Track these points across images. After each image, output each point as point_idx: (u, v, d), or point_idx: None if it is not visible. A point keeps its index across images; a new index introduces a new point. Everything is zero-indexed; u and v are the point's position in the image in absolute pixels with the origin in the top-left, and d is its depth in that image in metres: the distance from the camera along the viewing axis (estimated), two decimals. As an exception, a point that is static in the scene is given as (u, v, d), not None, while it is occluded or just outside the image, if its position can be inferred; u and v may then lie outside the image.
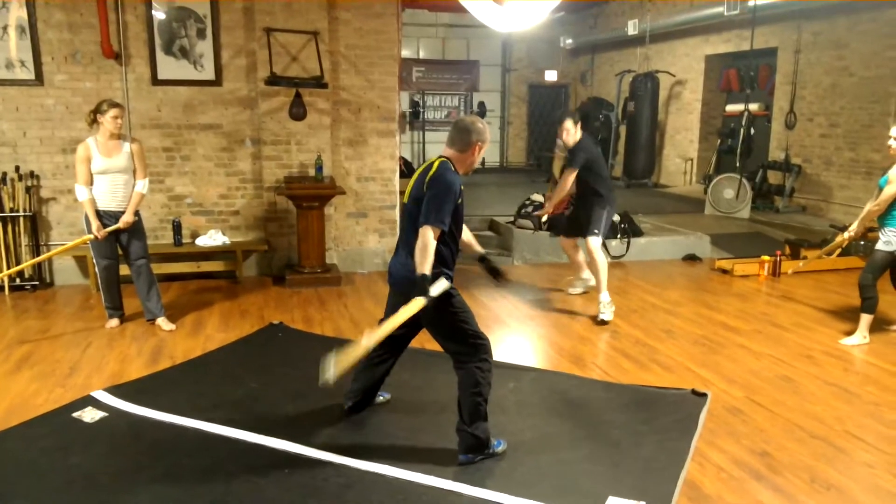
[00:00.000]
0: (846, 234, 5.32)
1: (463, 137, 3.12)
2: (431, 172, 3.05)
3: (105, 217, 4.85)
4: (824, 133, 9.61)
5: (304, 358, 4.43)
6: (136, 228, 4.93)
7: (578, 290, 5.95)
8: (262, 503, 2.75)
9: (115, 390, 3.83)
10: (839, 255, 7.01)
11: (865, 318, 4.80)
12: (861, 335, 4.79)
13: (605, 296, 5.26)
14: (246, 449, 3.20)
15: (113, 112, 4.72)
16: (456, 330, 3.10)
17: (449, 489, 2.85)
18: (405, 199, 3.21)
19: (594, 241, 5.30)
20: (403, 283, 3.10)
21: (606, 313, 5.21)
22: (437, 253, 3.01)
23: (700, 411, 3.59)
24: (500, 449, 3.17)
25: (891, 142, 4.63)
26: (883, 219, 4.75)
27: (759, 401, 3.84)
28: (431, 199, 2.98)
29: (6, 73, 5.92)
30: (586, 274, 5.81)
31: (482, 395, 3.06)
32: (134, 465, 3.05)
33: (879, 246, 4.79)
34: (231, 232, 6.58)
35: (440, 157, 3.15)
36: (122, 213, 4.87)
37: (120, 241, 4.95)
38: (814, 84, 9.73)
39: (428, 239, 2.93)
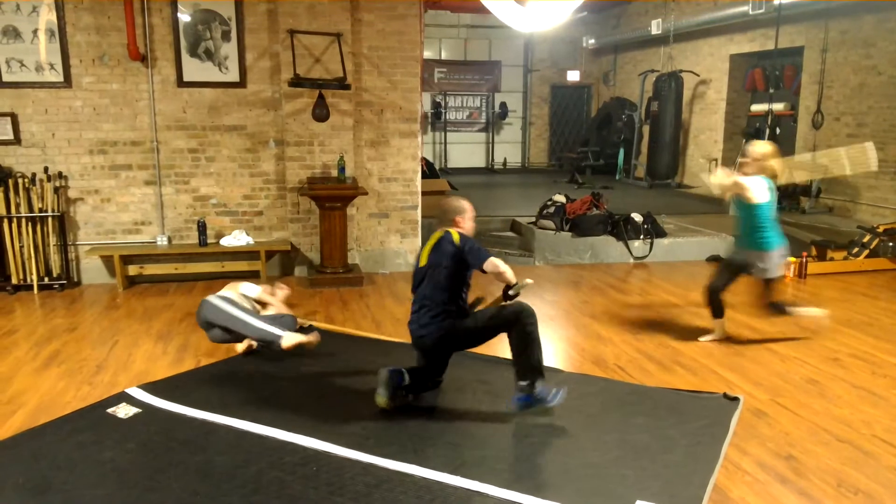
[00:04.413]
0: None
1: (444, 217, 3.76)
2: (454, 239, 3.60)
3: None
4: (852, 133, 9.47)
5: (332, 357, 4.48)
6: None
7: None
8: (289, 499, 2.77)
9: (149, 387, 3.89)
10: (867, 256, 6.95)
11: None
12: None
13: None
14: (275, 446, 3.23)
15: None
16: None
17: (476, 490, 2.84)
18: (421, 264, 3.71)
19: None
20: (438, 325, 3.60)
21: None
22: (459, 293, 3.65)
23: (731, 416, 3.55)
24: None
25: None
26: None
27: (784, 404, 3.80)
28: (471, 249, 3.55)
29: (36, 76, 6.04)
30: None
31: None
32: (166, 460, 3.10)
33: None
34: (255, 232, 6.64)
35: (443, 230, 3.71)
36: None
37: None
38: (841, 83, 9.59)
39: (497, 265, 3.50)
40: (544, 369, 3.49)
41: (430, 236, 3.77)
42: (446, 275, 3.60)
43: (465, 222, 3.76)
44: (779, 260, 4.61)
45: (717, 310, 4.82)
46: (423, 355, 3.78)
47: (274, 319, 4.71)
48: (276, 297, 5.02)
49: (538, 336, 3.46)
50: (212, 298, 4.57)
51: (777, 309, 4.72)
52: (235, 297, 4.66)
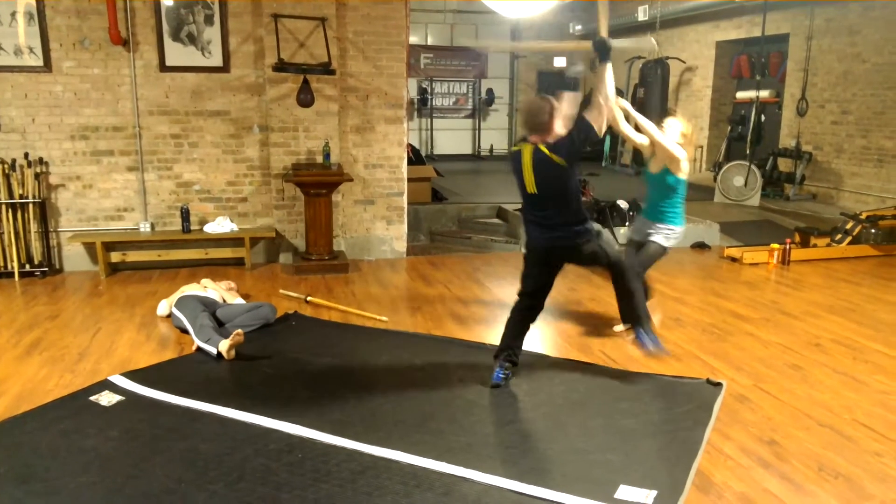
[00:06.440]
0: None
1: (535, 121, 3.50)
2: (546, 153, 3.47)
3: None
4: (836, 120, 9.53)
5: (317, 345, 4.47)
6: None
7: None
8: (274, 487, 2.77)
9: (132, 375, 3.86)
10: (850, 243, 7.01)
11: None
12: None
13: None
14: (260, 433, 3.22)
15: None
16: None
17: (461, 476, 2.85)
18: (530, 191, 3.59)
19: None
20: (573, 236, 3.65)
21: None
22: (580, 204, 3.66)
23: (714, 401, 3.58)
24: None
25: None
26: None
27: (767, 389, 3.83)
28: (575, 147, 3.46)
29: (15, 60, 5.93)
30: None
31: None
32: (150, 447, 3.09)
33: None
34: (239, 219, 6.59)
35: (528, 143, 3.55)
36: None
37: None
38: (826, 71, 9.64)
39: (597, 112, 3.45)
40: (643, 317, 3.89)
41: (521, 151, 3.57)
42: (563, 193, 3.56)
43: (559, 119, 3.51)
44: (680, 236, 4.55)
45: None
46: (539, 267, 3.77)
47: (251, 309, 4.74)
48: (233, 295, 5.12)
49: (637, 288, 3.87)
50: (174, 306, 4.71)
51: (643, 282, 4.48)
52: (203, 294, 4.82)
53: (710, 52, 11.96)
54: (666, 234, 4.46)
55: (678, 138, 4.35)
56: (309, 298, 5.31)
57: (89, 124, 6.19)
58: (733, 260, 6.85)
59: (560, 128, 3.50)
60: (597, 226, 3.80)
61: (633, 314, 3.86)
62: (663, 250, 4.47)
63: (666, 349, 3.86)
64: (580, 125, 3.45)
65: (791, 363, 4.23)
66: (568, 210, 3.62)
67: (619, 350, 4.43)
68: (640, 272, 4.35)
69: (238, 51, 6.34)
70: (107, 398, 3.57)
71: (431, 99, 15.18)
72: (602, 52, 3.52)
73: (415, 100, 14.79)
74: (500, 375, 3.76)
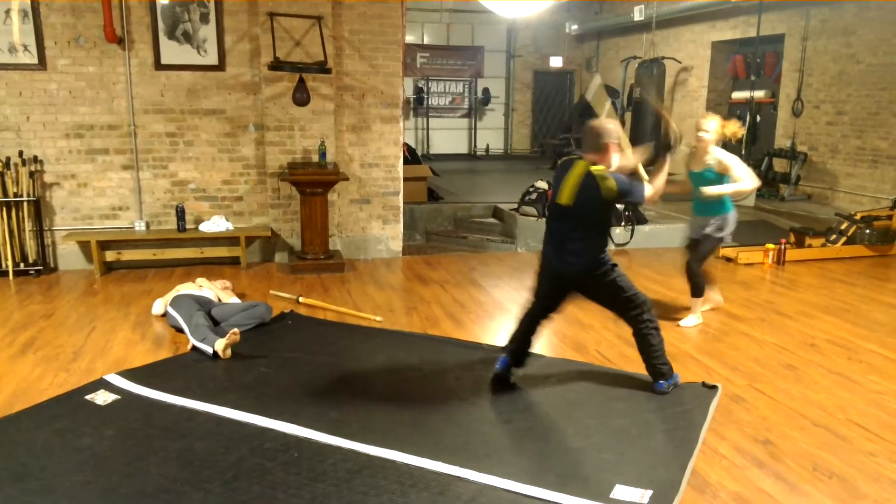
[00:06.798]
0: None
1: (595, 141, 3.48)
2: (608, 184, 3.40)
3: None
4: (831, 121, 9.56)
5: (313, 344, 4.47)
6: None
7: None
8: (270, 486, 2.76)
9: (128, 374, 3.85)
10: (844, 243, 7.03)
11: None
12: None
13: None
14: (255, 432, 3.22)
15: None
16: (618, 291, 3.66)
17: (456, 475, 2.85)
18: (561, 200, 3.50)
19: None
20: (586, 264, 3.57)
21: None
22: (604, 236, 3.61)
23: (710, 403, 3.58)
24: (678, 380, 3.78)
25: None
26: None
27: (761, 389, 3.84)
28: (628, 191, 3.48)
29: (9, 58, 5.90)
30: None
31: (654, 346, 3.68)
32: (145, 446, 3.08)
33: None
34: (235, 218, 6.58)
35: (584, 159, 3.49)
36: None
37: None
38: (821, 71, 9.67)
39: (653, 191, 3.69)
40: (666, 370, 3.71)
41: (573, 162, 3.51)
42: (597, 220, 3.53)
43: (615, 150, 3.51)
44: (733, 222, 4.85)
45: (698, 288, 4.94)
46: (550, 290, 3.74)
47: (247, 308, 4.73)
48: (228, 294, 5.10)
49: (656, 339, 3.69)
50: (169, 305, 4.68)
51: (697, 276, 4.87)
52: (198, 293, 4.80)
53: (705, 52, 11.99)
54: (718, 225, 4.75)
55: (717, 131, 4.80)
56: (301, 299, 5.30)
57: (84, 122, 6.17)
58: (728, 260, 6.87)
59: (613, 159, 3.50)
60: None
61: (657, 371, 3.70)
62: (718, 241, 4.82)
63: (678, 376, 3.80)
64: (633, 190, 3.53)
65: (786, 363, 4.24)
66: (592, 235, 3.55)
67: (615, 350, 4.43)
68: (696, 267, 4.82)
69: (233, 49, 6.32)
70: (102, 397, 3.56)
71: (427, 98, 15.18)
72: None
73: (411, 99, 14.79)
74: (497, 366, 3.79)
